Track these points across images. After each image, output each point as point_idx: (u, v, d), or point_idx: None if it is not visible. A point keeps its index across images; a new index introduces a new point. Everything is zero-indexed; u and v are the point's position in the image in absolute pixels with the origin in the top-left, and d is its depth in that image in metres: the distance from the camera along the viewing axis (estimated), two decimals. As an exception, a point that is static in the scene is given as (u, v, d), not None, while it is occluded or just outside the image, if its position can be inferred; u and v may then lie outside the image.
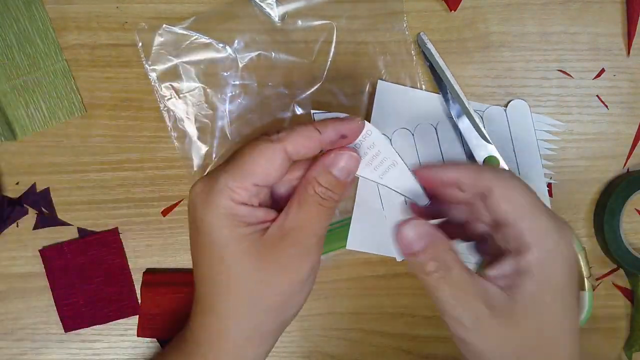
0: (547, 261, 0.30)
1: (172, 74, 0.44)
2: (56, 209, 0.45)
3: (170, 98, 0.44)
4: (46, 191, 0.45)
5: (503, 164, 0.44)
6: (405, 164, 0.34)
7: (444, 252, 0.31)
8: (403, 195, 0.35)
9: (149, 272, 0.45)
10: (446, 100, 0.44)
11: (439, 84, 0.44)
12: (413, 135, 0.45)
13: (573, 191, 0.46)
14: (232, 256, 0.32)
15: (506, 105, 0.45)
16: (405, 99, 0.45)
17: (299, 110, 0.45)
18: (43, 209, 0.45)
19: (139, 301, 0.45)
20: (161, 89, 0.44)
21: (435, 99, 0.45)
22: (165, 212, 0.45)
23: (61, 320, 0.45)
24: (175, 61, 0.44)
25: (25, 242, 0.45)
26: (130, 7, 0.44)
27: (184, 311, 0.44)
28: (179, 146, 0.45)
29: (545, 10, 0.45)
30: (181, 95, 0.44)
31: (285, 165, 0.32)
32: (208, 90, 0.45)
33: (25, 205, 0.45)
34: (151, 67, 0.44)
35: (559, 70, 0.46)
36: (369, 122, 0.44)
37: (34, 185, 0.45)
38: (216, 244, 0.32)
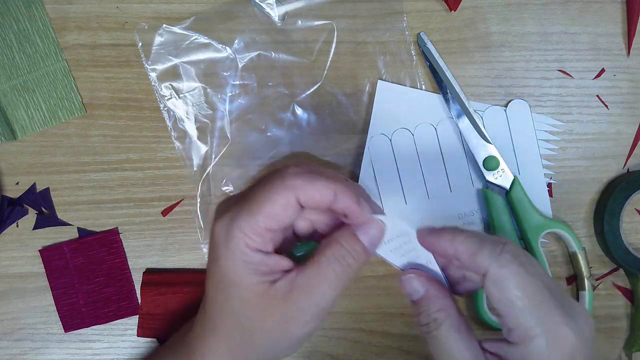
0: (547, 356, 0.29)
1: (172, 74, 0.44)
2: (56, 209, 0.45)
3: (170, 98, 0.44)
4: (46, 191, 0.45)
5: (503, 164, 0.44)
6: (433, 260, 0.34)
7: (438, 306, 0.32)
8: None
9: (149, 272, 0.45)
10: (446, 100, 0.44)
11: (439, 84, 0.44)
12: (413, 135, 0.45)
13: (573, 191, 0.46)
14: (237, 299, 0.33)
15: (506, 105, 0.45)
16: (405, 99, 0.45)
17: (298, 110, 0.45)
18: (43, 209, 0.45)
19: (139, 301, 0.45)
20: (161, 88, 0.44)
21: (435, 99, 0.45)
22: (165, 212, 0.45)
23: (61, 320, 0.45)
24: (175, 61, 0.44)
25: (25, 242, 0.45)
26: (130, 7, 0.44)
27: (184, 311, 0.44)
28: (179, 146, 0.45)
29: (545, 10, 0.45)
30: (181, 95, 0.44)
31: (297, 210, 0.32)
32: (208, 90, 0.44)
33: (25, 205, 0.45)
34: (151, 67, 0.44)
35: (559, 70, 0.46)
36: (369, 123, 0.45)
37: (34, 185, 0.45)
38: (226, 284, 0.33)
